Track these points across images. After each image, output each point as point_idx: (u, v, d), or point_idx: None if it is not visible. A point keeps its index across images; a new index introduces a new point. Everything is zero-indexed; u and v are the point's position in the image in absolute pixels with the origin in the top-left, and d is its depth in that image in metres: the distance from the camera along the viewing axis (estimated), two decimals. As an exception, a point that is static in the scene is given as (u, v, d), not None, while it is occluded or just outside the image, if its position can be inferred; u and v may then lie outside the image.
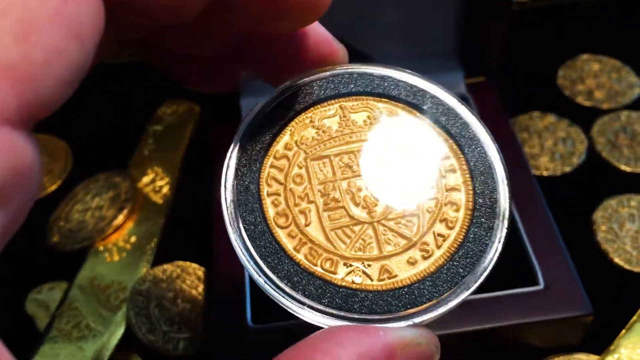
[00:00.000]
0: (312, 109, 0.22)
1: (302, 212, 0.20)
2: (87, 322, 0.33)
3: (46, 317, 0.35)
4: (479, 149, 0.21)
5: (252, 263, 0.19)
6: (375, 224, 0.20)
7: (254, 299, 0.31)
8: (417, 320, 0.19)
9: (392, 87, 0.22)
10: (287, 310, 0.19)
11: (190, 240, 0.38)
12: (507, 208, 0.20)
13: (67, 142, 0.44)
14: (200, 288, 0.35)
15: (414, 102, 0.22)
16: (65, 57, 0.14)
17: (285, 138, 0.21)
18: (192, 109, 0.44)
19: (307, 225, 0.20)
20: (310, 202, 0.20)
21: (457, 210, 0.20)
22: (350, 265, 0.19)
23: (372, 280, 0.19)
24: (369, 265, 0.19)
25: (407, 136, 0.21)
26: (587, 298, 0.30)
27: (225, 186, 0.20)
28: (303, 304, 0.19)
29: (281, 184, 0.21)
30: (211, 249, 0.33)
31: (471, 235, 0.20)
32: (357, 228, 0.20)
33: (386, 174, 0.21)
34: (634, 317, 0.32)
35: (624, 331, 0.31)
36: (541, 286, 0.31)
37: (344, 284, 0.19)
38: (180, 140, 0.42)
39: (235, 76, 0.25)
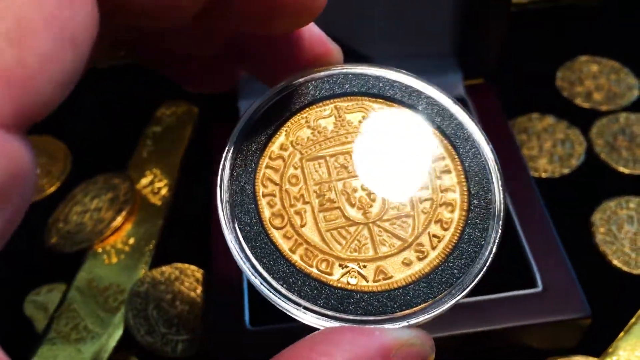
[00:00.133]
0: (307, 109, 0.22)
1: (297, 212, 0.20)
2: (86, 323, 0.33)
3: (45, 318, 0.35)
4: (473, 149, 0.21)
5: (247, 264, 0.19)
6: (371, 224, 0.20)
7: (252, 301, 0.31)
8: (412, 321, 0.19)
9: (387, 87, 0.22)
10: (283, 312, 0.19)
11: (188, 242, 0.38)
12: (502, 209, 0.20)
13: (66, 143, 0.44)
14: (199, 290, 0.35)
15: (409, 102, 0.22)
16: (59, 61, 0.14)
17: (280, 138, 0.21)
18: (190, 111, 0.44)
19: (302, 226, 0.20)
20: (305, 202, 0.20)
21: (452, 211, 0.20)
22: (346, 267, 0.19)
23: (367, 281, 0.19)
24: (364, 266, 0.20)
25: (402, 137, 0.22)
26: (585, 300, 0.30)
27: (221, 187, 0.20)
28: (299, 305, 0.19)
29: (277, 184, 0.21)
30: (209, 250, 0.33)
31: (466, 236, 0.20)
32: (352, 229, 0.20)
33: (381, 175, 0.21)
34: (633, 319, 0.32)
35: (622, 333, 0.31)
36: (539, 288, 0.31)
37: (339, 285, 0.19)
38: (179, 141, 0.42)
39: (233, 76, 0.25)
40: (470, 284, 0.19)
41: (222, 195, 0.20)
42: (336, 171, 0.21)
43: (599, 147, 0.40)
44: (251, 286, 0.31)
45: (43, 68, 0.14)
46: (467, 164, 0.21)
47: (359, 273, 0.19)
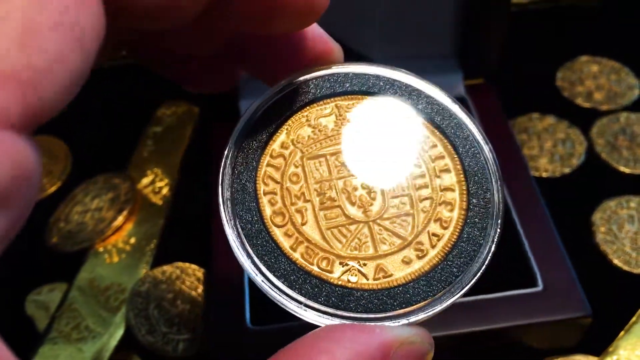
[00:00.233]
0: (308, 107, 0.22)
1: (298, 211, 0.20)
2: (87, 323, 0.33)
3: (46, 318, 0.35)
4: (473, 149, 0.21)
5: (249, 262, 0.19)
6: (371, 223, 0.20)
7: (253, 300, 0.31)
8: (412, 319, 0.19)
9: (388, 86, 0.22)
10: (284, 309, 0.19)
11: (189, 241, 0.38)
12: (501, 208, 0.20)
13: (67, 143, 0.44)
14: (200, 289, 0.35)
15: (409, 101, 0.22)
16: (66, 63, 0.14)
17: (281, 137, 0.21)
18: (191, 110, 0.44)
19: (303, 224, 0.20)
20: (306, 201, 0.20)
21: (451, 210, 0.20)
22: (346, 265, 0.20)
23: (367, 279, 0.19)
24: (365, 265, 0.20)
25: (402, 136, 0.22)
26: (586, 299, 0.30)
27: (222, 185, 0.20)
28: (300, 302, 0.19)
29: (278, 182, 0.21)
30: (210, 249, 0.33)
31: (465, 235, 0.20)
32: (352, 227, 0.20)
33: (381, 173, 0.21)
34: (633, 319, 0.32)
35: (622, 332, 0.31)
36: (540, 288, 0.31)
37: (340, 283, 0.19)
38: (180, 141, 0.42)
39: (233, 76, 0.25)
40: (470, 282, 0.19)
41: (223, 193, 0.20)
42: (337, 170, 0.21)
43: (600, 147, 0.40)
44: (252, 285, 0.31)
45: (51, 70, 0.14)
46: (466, 163, 0.21)
47: (359, 271, 0.20)
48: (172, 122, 0.43)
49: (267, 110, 0.22)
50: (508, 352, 0.31)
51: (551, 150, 0.41)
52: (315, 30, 0.22)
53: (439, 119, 0.22)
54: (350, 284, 0.19)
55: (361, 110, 0.22)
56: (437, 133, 0.22)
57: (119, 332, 0.33)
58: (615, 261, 0.35)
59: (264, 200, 0.20)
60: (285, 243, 0.20)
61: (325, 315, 0.19)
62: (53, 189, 0.41)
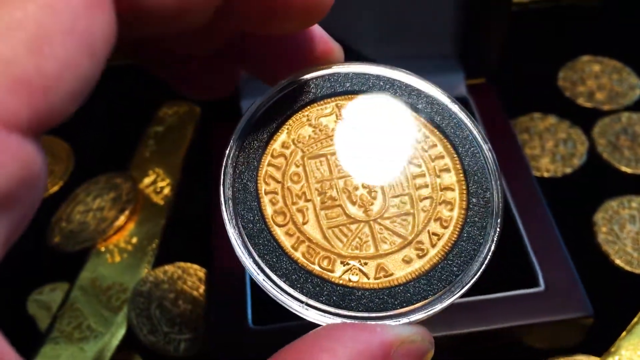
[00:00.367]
0: (309, 107, 0.22)
1: (299, 210, 0.20)
2: (89, 323, 0.34)
3: (47, 317, 0.35)
4: (472, 148, 0.21)
5: (250, 261, 0.19)
6: (372, 222, 0.20)
7: (254, 300, 0.31)
8: (413, 318, 0.19)
9: (388, 86, 0.22)
10: (285, 308, 0.19)
11: (191, 241, 0.38)
12: (501, 207, 0.20)
13: (69, 143, 0.44)
14: (201, 289, 0.35)
15: (409, 101, 0.22)
16: (77, 69, 0.14)
17: (282, 136, 0.21)
18: (192, 110, 0.44)
19: (304, 223, 0.20)
20: (307, 200, 0.21)
21: (451, 209, 0.21)
22: (347, 264, 0.20)
23: (368, 278, 0.20)
24: (366, 264, 0.20)
25: (402, 135, 0.22)
26: (587, 299, 0.30)
27: (223, 184, 0.20)
28: (301, 301, 0.19)
29: (279, 182, 0.21)
30: (212, 249, 0.33)
31: (465, 235, 0.20)
32: (353, 227, 0.20)
33: (381, 173, 0.21)
34: (635, 319, 0.32)
35: (624, 333, 0.31)
36: (542, 288, 0.31)
37: (341, 282, 0.19)
38: (181, 141, 0.42)
39: (233, 78, 0.25)
40: (470, 281, 0.19)
41: (224, 193, 0.20)
42: (337, 169, 0.21)
43: (601, 147, 0.40)
44: (254, 285, 0.31)
45: (61, 76, 0.14)
46: (466, 163, 0.21)
47: (360, 270, 0.20)
48: (174, 122, 0.43)
49: (268, 110, 0.22)
50: (509, 352, 0.31)
51: (553, 150, 0.41)
52: (316, 30, 0.22)
53: (438, 119, 0.22)
54: (351, 283, 0.19)
55: (362, 109, 0.22)
56: (437, 132, 0.22)
57: (121, 332, 0.33)
58: (617, 261, 0.35)
59: (265, 200, 0.20)
60: (286, 242, 0.20)
61: (326, 314, 0.19)
62: (55, 188, 0.41)
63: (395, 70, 0.23)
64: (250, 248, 0.20)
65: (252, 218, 0.20)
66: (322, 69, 0.22)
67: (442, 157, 0.21)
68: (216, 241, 0.33)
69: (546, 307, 0.30)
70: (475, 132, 0.22)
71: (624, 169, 0.39)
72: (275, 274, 0.19)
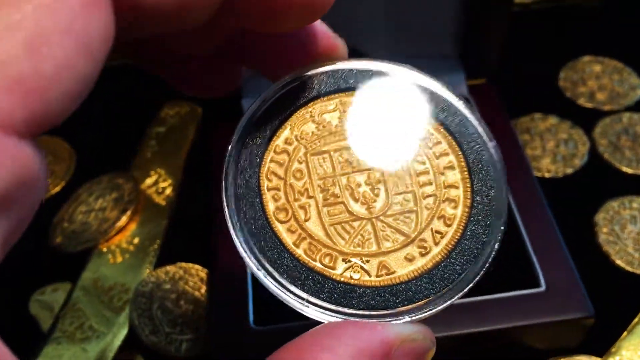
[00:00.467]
0: (312, 103, 0.22)
1: (301, 207, 0.20)
2: (91, 323, 0.34)
3: (50, 318, 0.35)
4: (477, 146, 0.21)
5: (251, 257, 0.19)
6: (374, 220, 0.20)
7: (256, 300, 0.31)
8: (414, 316, 0.19)
9: (392, 82, 0.22)
10: (286, 306, 0.19)
11: (193, 241, 0.38)
12: (505, 206, 0.20)
13: (71, 143, 0.44)
14: (203, 289, 0.35)
15: (413, 97, 0.22)
16: (75, 70, 0.14)
17: (285, 133, 0.21)
18: (194, 111, 0.44)
19: (306, 220, 0.20)
20: (310, 197, 0.20)
21: (455, 207, 0.20)
22: (349, 261, 0.20)
23: (370, 276, 0.19)
24: (367, 261, 0.20)
25: (406, 132, 0.22)
26: (588, 300, 0.30)
27: (225, 180, 0.20)
28: (302, 298, 0.19)
29: (281, 178, 0.21)
30: (214, 249, 0.33)
31: (468, 233, 0.20)
32: (356, 224, 0.20)
33: (385, 170, 0.21)
34: (636, 319, 0.32)
35: (625, 333, 0.31)
36: (542, 288, 0.31)
37: (342, 279, 0.19)
38: (183, 141, 0.42)
39: (235, 76, 0.25)
40: (472, 280, 0.19)
41: (227, 189, 0.20)
42: (340, 166, 0.21)
43: (603, 147, 0.40)
44: (255, 285, 0.31)
45: (58, 77, 0.14)
46: (470, 161, 0.21)
47: (361, 268, 0.20)
48: (176, 122, 0.43)
49: (270, 106, 0.22)
50: (510, 353, 0.31)
51: (554, 150, 0.41)
52: (318, 27, 0.22)
53: (443, 116, 0.22)
54: (352, 280, 0.19)
55: (365, 106, 0.22)
56: (442, 129, 0.21)
57: (123, 332, 0.33)
58: (618, 262, 0.35)
59: (268, 196, 0.20)
60: (288, 239, 0.20)
61: (327, 312, 0.19)
62: (57, 189, 0.41)
63: (400, 67, 0.22)
64: (252, 244, 0.19)
65: (254, 214, 0.20)
66: (326, 65, 0.22)
67: (447, 154, 0.21)
68: (218, 241, 0.33)
69: (547, 308, 0.30)
70: (480, 129, 0.21)
71: (624, 169, 0.39)
72: (277, 271, 0.19)
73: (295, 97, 0.22)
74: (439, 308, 0.19)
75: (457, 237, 0.20)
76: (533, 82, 0.45)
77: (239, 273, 0.32)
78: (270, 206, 0.20)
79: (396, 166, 0.21)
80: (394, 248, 0.20)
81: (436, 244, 0.20)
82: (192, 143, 0.42)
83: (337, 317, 0.19)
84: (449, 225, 0.20)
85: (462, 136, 0.21)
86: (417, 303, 0.19)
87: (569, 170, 0.40)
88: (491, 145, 0.21)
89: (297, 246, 0.20)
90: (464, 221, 0.20)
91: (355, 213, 0.20)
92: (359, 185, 0.21)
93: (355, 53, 0.23)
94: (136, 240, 0.37)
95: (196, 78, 0.24)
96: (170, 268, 0.36)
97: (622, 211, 0.37)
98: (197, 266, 0.36)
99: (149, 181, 0.40)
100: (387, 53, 0.38)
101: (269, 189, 0.20)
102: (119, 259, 0.36)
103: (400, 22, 0.37)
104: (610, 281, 0.35)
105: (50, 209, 0.40)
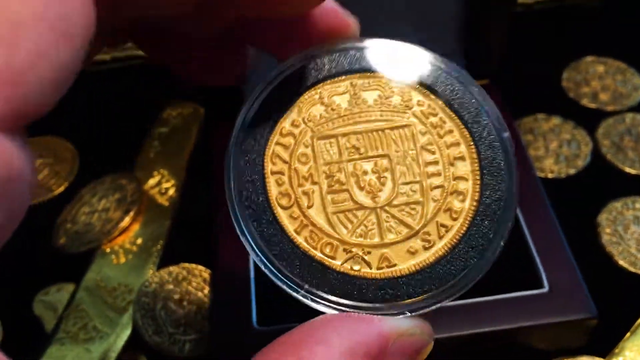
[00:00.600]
0: (321, 84, 0.21)
1: (305, 193, 0.20)
2: (94, 323, 0.34)
3: (53, 318, 0.35)
4: (491, 137, 0.20)
5: (251, 242, 0.19)
6: (379, 210, 0.20)
7: (259, 300, 0.31)
8: (413, 311, 0.18)
9: (407, 65, 0.21)
10: (284, 292, 0.19)
11: (196, 242, 0.38)
12: (514, 202, 0.20)
13: (74, 144, 0.44)
14: (206, 290, 0.35)
15: (427, 81, 0.21)
16: (52, 58, 0.13)
17: (292, 114, 0.20)
18: (197, 111, 0.44)
19: (309, 207, 0.19)
20: (314, 183, 0.20)
21: (462, 200, 0.20)
22: (350, 252, 0.19)
23: (370, 268, 0.19)
24: (369, 253, 0.19)
25: (417, 119, 0.21)
26: (591, 301, 0.30)
27: (229, 161, 0.20)
28: (300, 287, 0.19)
29: (286, 162, 0.20)
30: (216, 248, 0.33)
31: (474, 228, 0.19)
32: (359, 213, 0.20)
33: (392, 158, 0.20)
34: (639, 320, 0.32)
35: (628, 334, 0.31)
36: (545, 289, 0.31)
37: (342, 270, 0.19)
38: (186, 142, 0.42)
39: (241, 62, 0.24)
40: (475, 278, 0.19)
41: (230, 170, 0.20)
42: (347, 152, 0.20)
43: (605, 148, 0.40)
44: (258, 285, 0.31)
45: (34, 66, 0.13)
46: (482, 153, 0.20)
47: (362, 259, 0.19)
48: (178, 123, 0.43)
49: (277, 87, 0.21)
50: (513, 353, 0.31)
51: (557, 151, 0.41)
52: (328, 4, 0.21)
53: (457, 104, 0.21)
54: (353, 271, 0.19)
55: (377, 89, 0.21)
56: (455, 118, 0.21)
57: (126, 333, 0.33)
58: (621, 262, 0.35)
59: (271, 180, 0.20)
60: (289, 226, 0.19)
61: (325, 302, 0.18)
62: (60, 189, 0.41)
63: (418, 49, 0.21)
64: (252, 229, 0.19)
65: (256, 199, 0.19)
66: (337, 44, 0.21)
67: (458, 144, 0.20)
68: (219, 240, 0.33)
69: (550, 308, 0.30)
70: (494, 118, 0.21)
71: (627, 170, 0.39)
72: (276, 257, 0.19)
73: (303, 78, 0.21)
74: (439, 304, 0.19)
75: (462, 231, 0.19)
76: (536, 83, 0.45)
77: (242, 273, 0.32)
78: (273, 191, 0.19)
79: (405, 155, 0.20)
80: (397, 240, 0.19)
81: (440, 237, 0.19)
82: (194, 144, 0.42)
83: (335, 307, 0.18)
84: (455, 219, 0.19)
85: (475, 126, 0.20)
86: (417, 298, 0.19)
87: (572, 171, 0.40)
88: (505, 136, 0.20)
89: (298, 234, 0.19)
90: (471, 215, 0.19)
91: (359, 202, 0.20)
92: (365, 172, 0.20)
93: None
94: (139, 241, 0.37)
95: (203, 64, 0.23)
96: (174, 269, 0.36)
97: (625, 212, 0.37)
98: (200, 267, 0.36)
99: (152, 182, 0.40)
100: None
101: (272, 173, 0.20)
102: (122, 260, 0.36)
103: (401, 23, 0.37)
104: (613, 282, 0.34)
105: (53, 210, 0.40)
